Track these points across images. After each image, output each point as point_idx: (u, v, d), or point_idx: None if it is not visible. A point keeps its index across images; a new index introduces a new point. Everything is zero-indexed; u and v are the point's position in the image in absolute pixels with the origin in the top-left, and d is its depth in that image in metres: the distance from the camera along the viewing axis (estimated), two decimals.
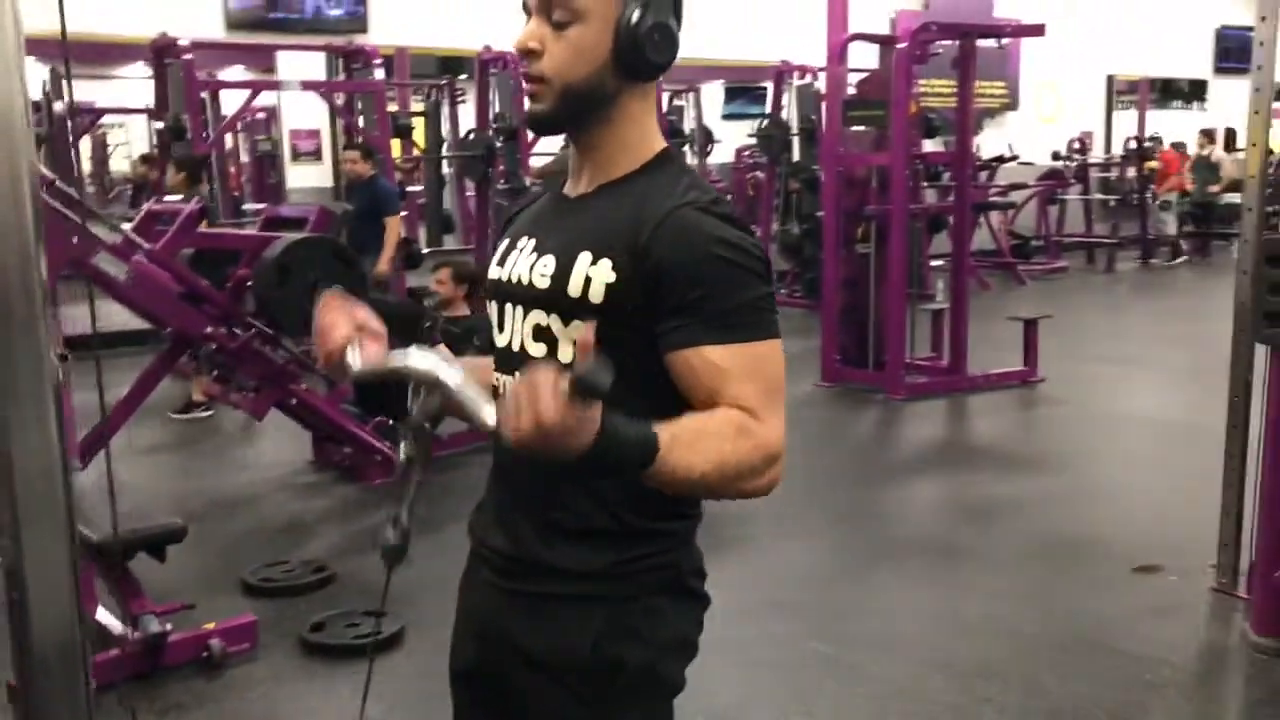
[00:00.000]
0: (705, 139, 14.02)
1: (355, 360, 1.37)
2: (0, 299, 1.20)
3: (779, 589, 4.09)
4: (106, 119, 14.74)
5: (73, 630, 1.28)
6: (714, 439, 1.27)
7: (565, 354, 1.38)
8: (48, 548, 1.26)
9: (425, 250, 9.23)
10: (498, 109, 9.28)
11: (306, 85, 8.22)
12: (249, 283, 4.84)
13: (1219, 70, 17.83)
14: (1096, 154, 15.40)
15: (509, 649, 1.45)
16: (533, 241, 1.46)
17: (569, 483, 1.40)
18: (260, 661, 3.53)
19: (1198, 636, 3.70)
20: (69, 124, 8.48)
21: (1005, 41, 7.04)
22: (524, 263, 1.44)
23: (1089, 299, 11.77)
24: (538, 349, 1.41)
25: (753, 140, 12.56)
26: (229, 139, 12.10)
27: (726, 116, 16.28)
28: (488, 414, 1.23)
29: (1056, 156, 14.24)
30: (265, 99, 10.96)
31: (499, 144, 9.09)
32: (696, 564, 1.49)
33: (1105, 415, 6.80)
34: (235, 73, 11.10)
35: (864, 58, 8.13)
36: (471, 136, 9.60)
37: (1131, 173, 14.38)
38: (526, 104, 1.44)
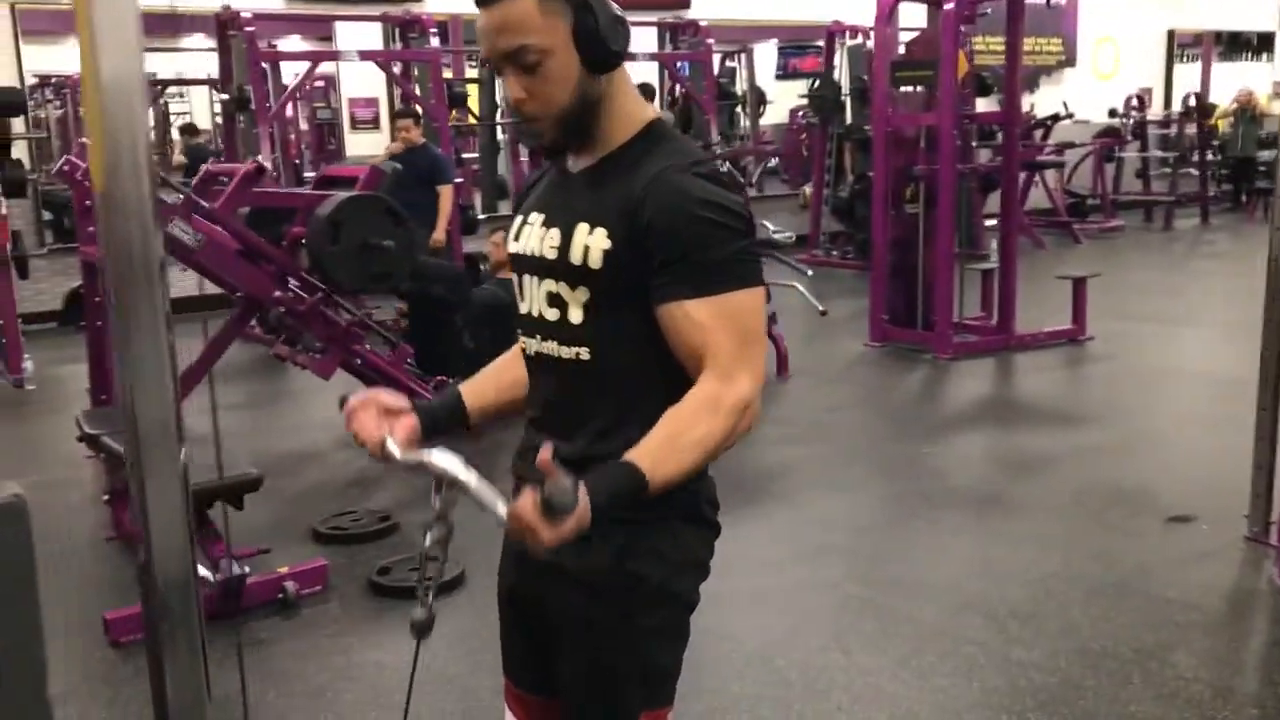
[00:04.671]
0: (758, 100, 14.05)
1: (396, 450, 1.58)
2: (124, 266, 1.38)
3: (819, 538, 4.25)
4: (169, 90, 15.08)
5: (187, 565, 1.46)
6: (689, 433, 1.45)
7: (575, 316, 1.56)
8: (166, 493, 1.44)
9: (481, 216, 9.43)
10: None
11: (364, 55, 8.42)
12: (304, 240, 5.06)
13: None
14: (1156, 111, 15.20)
15: (542, 566, 1.60)
16: (541, 216, 1.62)
17: (592, 424, 1.58)
18: (332, 602, 3.78)
19: (1226, 582, 3.80)
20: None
21: (1056, 1, 7.01)
22: (535, 236, 1.61)
23: (1144, 257, 11.70)
24: (552, 314, 1.58)
25: (805, 100, 12.59)
26: (289, 108, 12.39)
27: (780, 76, 16.26)
28: (502, 511, 1.42)
29: (1114, 114, 14.09)
30: (325, 68, 11.21)
31: None
32: (711, 495, 1.65)
33: (1152, 371, 6.85)
34: (293, 43, 11.33)
35: (916, 17, 8.16)
36: None
37: (1191, 129, 14.18)
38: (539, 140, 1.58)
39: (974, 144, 8.61)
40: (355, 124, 11.11)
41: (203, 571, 3.71)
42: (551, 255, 1.57)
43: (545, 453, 1.35)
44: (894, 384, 6.79)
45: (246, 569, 3.64)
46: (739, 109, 13.84)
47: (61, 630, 3.62)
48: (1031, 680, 3.14)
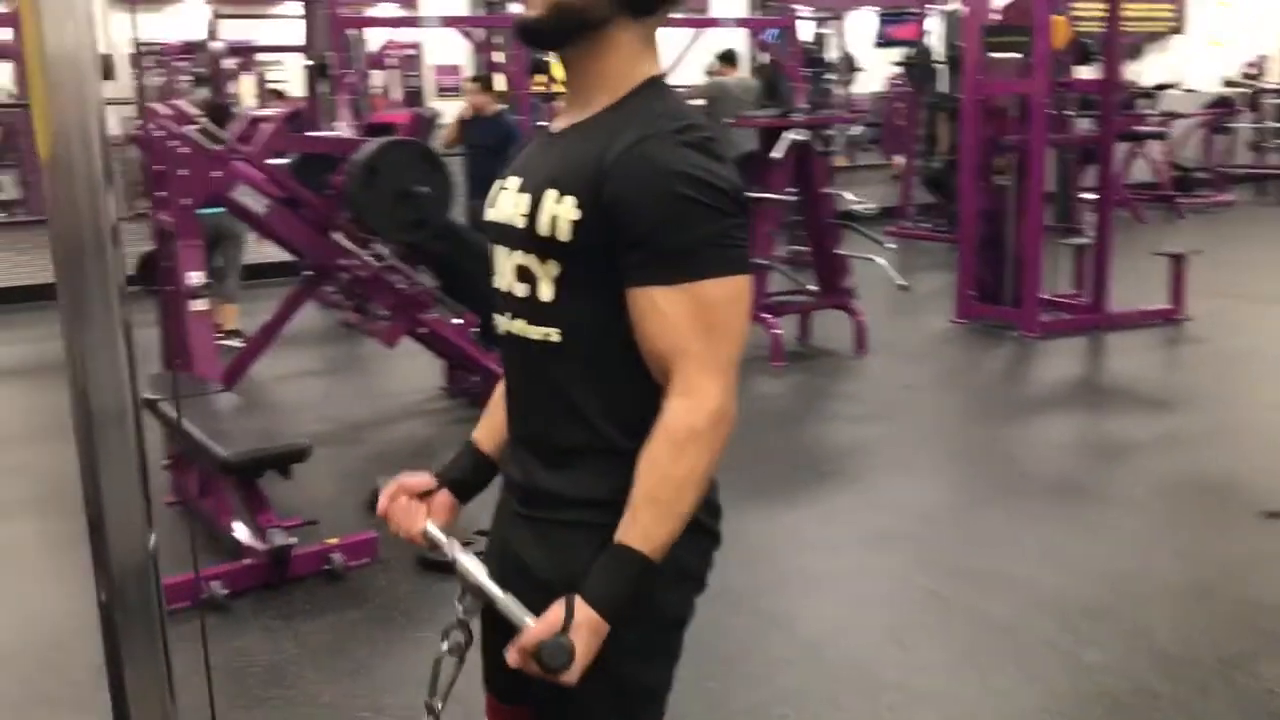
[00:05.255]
0: (848, 67, 13.72)
1: (439, 536, 1.54)
2: (72, 238, 1.29)
3: (885, 522, 4.08)
4: (266, 57, 15.24)
5: (145, 554, 1.38)
6: (672, 478, 1.34)
7: (545, 293, 1.40)
8: (120, 476, 1.35)
9: None
10: None
11: (445, 21, 8.36)
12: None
13: None
14: (1273, 79, 14.44)
15: (519, 569, 1.49)
16: (519, 181, 1.46)
17: (565, 414, 1.44)
18: (379, 576, 3.72)
19: None
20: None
21: None
22: (509, 202, 1.46)
23: (1254, 234, 11.14)
24: (521, 289, 1.43)
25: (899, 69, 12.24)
26: (380, 76, 12.41)
27: (880, 44, 15.85)
28: (530, 622, 1.36)
29: (1227, 83, 13.42)
30: (412, 36, 11.20)
31: None
32: (708, 496, 1.48)
33: (1253, 355, 6.48)
34: (386, 9, 11.32)
35: None
36: None
37: None
38: (520, 12, 1.44)
39: (1073, 114, 8.22)
40: (440, 92, 11.09)
41: (250, 540, 3.70)
42: (520, 224, 1.42)
43: (515, 656, 1.34)
44: (977, 363, 6.54)
45: (293, 539, 3.60)
46: (831, 77, 13.50)
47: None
48: (1101, 685, 2.95)
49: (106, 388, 1.34)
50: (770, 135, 6.50)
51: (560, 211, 1.36)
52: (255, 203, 4.80)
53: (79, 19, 1.27)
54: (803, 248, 7.34)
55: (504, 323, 1.49)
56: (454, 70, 10.98)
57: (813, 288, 6.69)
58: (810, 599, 3.54)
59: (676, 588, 1.48)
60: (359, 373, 6.78)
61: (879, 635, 3.25)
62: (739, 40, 10.75)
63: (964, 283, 7.24)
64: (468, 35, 8.87)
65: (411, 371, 6.26)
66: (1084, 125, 8.35)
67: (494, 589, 1.41)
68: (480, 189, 7.31)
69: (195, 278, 4.51)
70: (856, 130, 9.54)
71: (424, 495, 1.59)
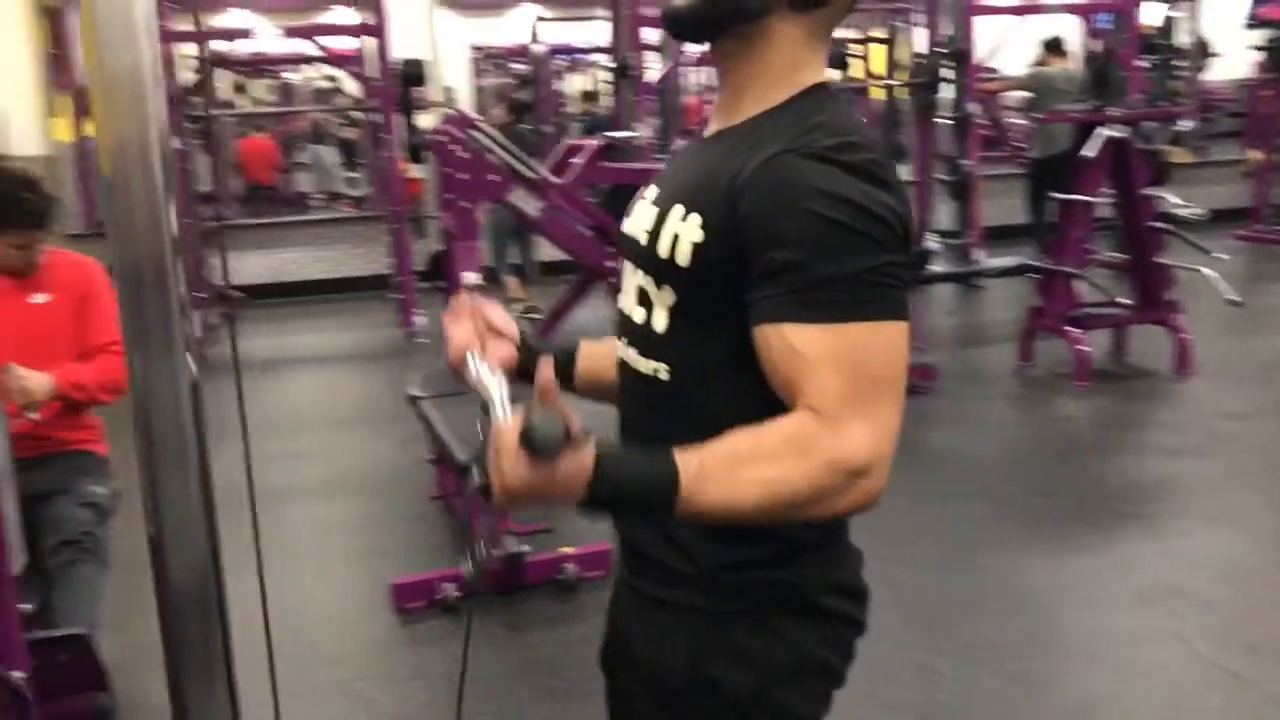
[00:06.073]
0: (1201, 54, 12.50)
1: (471, 369, 1.34)
2: (130, 258, 1.25)
3: (1176, 577, 3.55)
4: (597, 59, 15.78)
5: (206, 571, 1.32)
6: (759, 466, 1.07)
7: (659, 323, 1.23)
8: (181, 496, 1.31)
9: None
10: (950, 31, 8.79)
11: None
12: None
13: None
14: None
15: (622, 647, 1.36)
16: (656, 191, 1.29)
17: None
18: (609, 590, 3.63)
19: None
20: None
21: None
22: (642, 215, 1.29)
23: None
24: (639, 314, 1.26)
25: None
26: (695, 75, 12.48)
27: (1251, 25, 14.39)
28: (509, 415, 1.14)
29: None
30: None
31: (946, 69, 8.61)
32: (841, 579, 1.27)
33: None
34: None
35: None
36: (919, 63, 9.18)
37: None
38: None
39: None
40: None
41: (488, 545, 3.71)
42: (644, 241, 1.25)
43: (546, 370, 1.05)
44: None
45: (526, 547, 3.58)
46: (1180, 64, 12.33)
47: (354, 591, 3.75)
48: None
49: (165, 404, 1.31)
50: (1088, 131, 5.92)
51: (683, 231, 1.18)
52: (529, 206, 4.88)
53: (136, 38, 1.22)
54: (1121, 255, 6.65)
55: (620, 347, 1.32)
56: None
57: (1127, 300, 6.04)
58: (1074, 664, 3.12)
59: (804, 684, 1.27)
60: None
61: (1152, 712, 2.81)
62: (1070, 27, 9.95)
63: None
64: None
65: None
66: None
67: (497, 410, 1.18)
68: None
69: (470, 278, 4.63)
70: (1186, 125, 8.52)
71: (494, 335, 1.39)
